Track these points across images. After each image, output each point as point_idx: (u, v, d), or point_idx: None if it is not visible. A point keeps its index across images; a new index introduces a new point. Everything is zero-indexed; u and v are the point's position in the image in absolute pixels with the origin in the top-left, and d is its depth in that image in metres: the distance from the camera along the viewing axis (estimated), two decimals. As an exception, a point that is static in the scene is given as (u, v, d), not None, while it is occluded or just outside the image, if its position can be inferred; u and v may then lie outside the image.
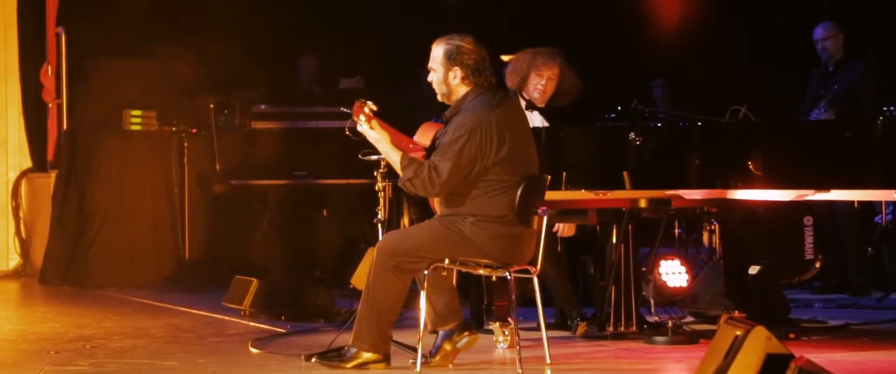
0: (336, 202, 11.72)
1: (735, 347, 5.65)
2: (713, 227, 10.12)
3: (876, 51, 10.56)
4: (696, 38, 12.43)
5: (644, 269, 8.72)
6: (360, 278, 10.47)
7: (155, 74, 11.67)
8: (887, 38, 11.24)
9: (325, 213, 11.73)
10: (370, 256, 10.47)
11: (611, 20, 12.72)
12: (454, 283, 7.13)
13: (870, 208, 10.80)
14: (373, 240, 10.92)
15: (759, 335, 5.59)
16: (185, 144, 11.34)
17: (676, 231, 10.22)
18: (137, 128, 11.49)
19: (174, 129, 11.42)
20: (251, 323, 8.85)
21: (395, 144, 6.86)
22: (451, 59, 6.85)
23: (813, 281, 10.45)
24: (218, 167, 11.34)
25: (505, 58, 8.55)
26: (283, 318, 8.93)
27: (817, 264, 10.34)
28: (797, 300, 9.57)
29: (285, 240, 11.57)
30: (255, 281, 9.23)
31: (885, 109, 9.96)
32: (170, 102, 11.55)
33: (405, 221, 10.39)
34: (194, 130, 11.40)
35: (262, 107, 11.56)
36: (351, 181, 11.37)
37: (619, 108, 11.19)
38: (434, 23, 12.54)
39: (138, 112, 11.49)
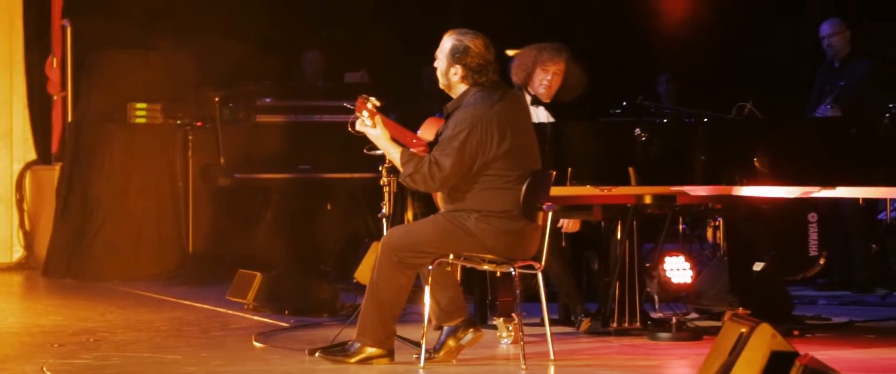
0: (340, 196, 11.72)
1: (740, 344, 5.64)
2: (717, 223, 10.11)
3: (882, 48, 10.53)
4: (701, 34, 12.42)
5: (648, 265, 8.70)
6: (363, 273, 10.46)
7: (160, 66, 11.68)
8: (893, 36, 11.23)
9: (329, 207, 11.72)
10: (374, 250, 10.49)
11: (616, 14, 12.71)
12: (459, 278, 7.12)
13: (874, 204, 10.76)
14: (377, 234, 10.93)
15: (764, 333, 5.57)
16: (190, 138, 11.31)
17: (681, 227, 10.22)
18: (142, 121, 11.50)
19: (179, 122, 11.40)
20: (255, 317, 8.85)
21: (399, 139, 6.86)
22: (455, 56, 6.85)
23: (817, 278, 10.43)
24: (222, 161, 11.32)
25: (510, 53, 8.54)
26: (286, 312, 8.92)
27: (821, 261, 10.31)
28: (801, 297, 9.55)
29: (289, 234, 11.56)
30: (258, 275, 9.23)
31: (890, 106, 9.90)
32: (174, 95, 11.55)
33: (409, 215, 10.39)
34: (199, 124, 11.37)
35: (267, 100, 11.54)
36: (355, 175, 11.36)
37: (624, 103, 11.18)
38: (440, 17, 12.55)
39: (143, 105, 11.48)
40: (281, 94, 11.65)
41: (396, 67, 12.13)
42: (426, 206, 9.67)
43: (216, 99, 11.34)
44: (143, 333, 8.14)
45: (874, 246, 10.55)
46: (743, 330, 5.67)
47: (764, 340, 5.58)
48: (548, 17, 12.29)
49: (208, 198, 11.53)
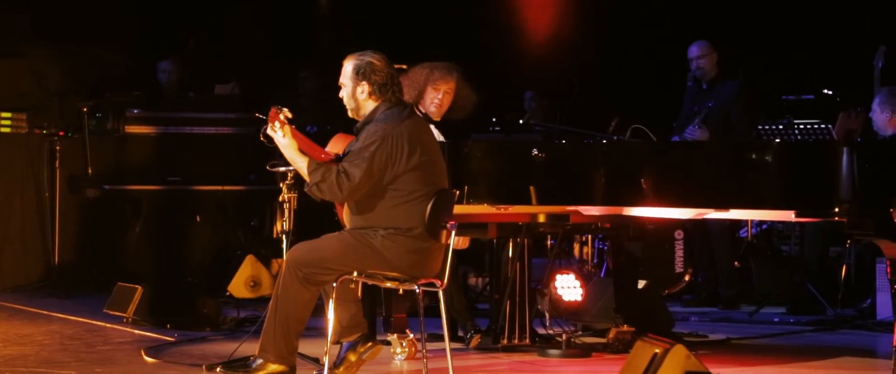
0: (210, 208, 11.62)
1: (654, 365, 5.79)
2: (584, 239, 10.27)
3: (747, 70, 10.81)
4: (569, 51, 12.61)
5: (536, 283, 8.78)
6: (237, 286, 10.46)
7: (25, 75, 11.46)
8: (759, 57, 11.56)
9: (198, 219, 11.62)
10: (248, 263, 10.53)
11: (480, 31, 12.85)
12: (360, 295, 7.15)
13: (738, 223, 11.03)
14: (248, 247, 10.93)
15: (678, 354, 5.74)
16: (57, 148, 11.13)
17: (549, 243, 10.34)
18: (7, 130, 11.26)
19: (45, 132, 11.21)
20: (136, 331, 8.76)
21: (308, 152, 6.85)
22: (360, 74, 6.90)
23: (683, 294, 10.66)
24: (90, 171, 11.14)
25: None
26: (168, 326, 8.84)
27: (686, 277, 10.59)
28: (672, 314, 9.72)
29: (158, 246, 11.44)
30: (139, 288, 9.14)
31: (759, 127, 10.19)
32: (41, 105, 11.35)
33: (279, 226, 10.33)
34: (61, 133, 11.19)
35: (136, 111, 11.39)
36: (225, 187, 11.33)
37: (494, 119, 11.32)
38: (307, 27, 12.58)
39: (8, 114, 11.25)
40: (150, 105, 11.51)
41: (267, 78, 12.09)
42: (299, 218, 9.63)
43: (84, 109, 11.16)
44: (26, 347, 8.01)
45: (736, 263, 10.80)
46: (657, 351, 5.82)
47: (678, 360, 5.74)
48: (416, 33, 12.37)
49: (75, 209, 11.35)
